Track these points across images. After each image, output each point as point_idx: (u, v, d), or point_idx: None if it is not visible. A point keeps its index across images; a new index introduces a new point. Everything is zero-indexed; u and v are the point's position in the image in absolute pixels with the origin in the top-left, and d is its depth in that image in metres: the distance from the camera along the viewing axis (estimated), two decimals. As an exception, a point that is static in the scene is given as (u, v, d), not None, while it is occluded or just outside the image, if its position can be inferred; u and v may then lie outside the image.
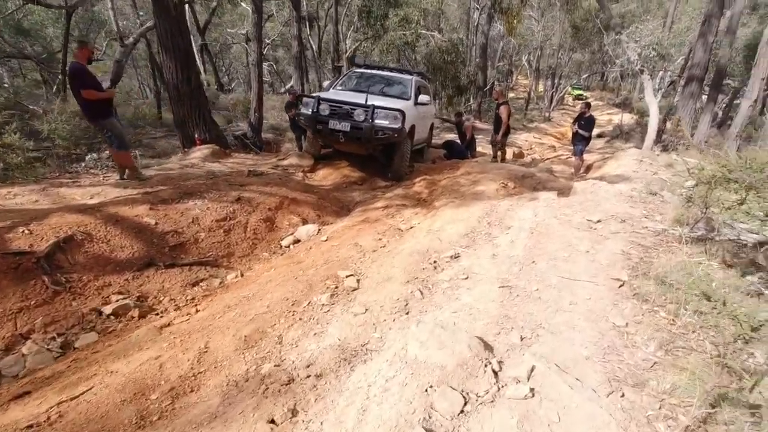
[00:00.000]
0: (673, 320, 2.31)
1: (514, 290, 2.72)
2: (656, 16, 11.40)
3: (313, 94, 6.25)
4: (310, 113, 6.08)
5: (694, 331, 2.20)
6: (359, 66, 7.89)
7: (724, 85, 14.68)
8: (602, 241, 3.52)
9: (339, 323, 2.48)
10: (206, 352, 2.35)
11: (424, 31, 13.19)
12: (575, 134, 8.10)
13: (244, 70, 24.17)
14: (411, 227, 4.48)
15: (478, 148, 11.48)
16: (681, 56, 18.30)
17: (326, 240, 4.35)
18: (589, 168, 8.56)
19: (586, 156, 9.17)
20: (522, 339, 2.19)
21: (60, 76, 11.61)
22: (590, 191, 5.13)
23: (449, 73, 14.39)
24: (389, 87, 7.38)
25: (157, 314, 3.24)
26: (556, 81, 26.77)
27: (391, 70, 8.16)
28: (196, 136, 6.68)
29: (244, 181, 5.45)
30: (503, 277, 2.92)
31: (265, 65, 20.40)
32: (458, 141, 9.90)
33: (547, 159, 11.36)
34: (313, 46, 17.51)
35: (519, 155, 10.79)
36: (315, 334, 2.41)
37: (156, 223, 4.01)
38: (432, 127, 9.34)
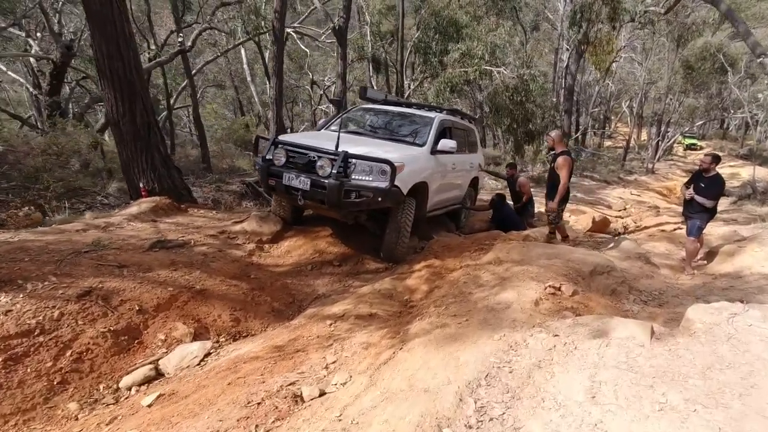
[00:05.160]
0: None
1: None
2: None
3: (273, 137, 4.39)
4: (261, 162, 4.21)
5: None
6: (371, 100, 5.96)
7: None
8: None
9: None
10: None
11: (487, 67, 11.11)
12: (690, 201, 5.16)
13: (318, 112, 23.45)
14: (321, 395, 2.24)
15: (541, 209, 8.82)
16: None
17: (150, 405, 2.28)
18: (711, 255, 5.55)
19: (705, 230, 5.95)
20: None
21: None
22: (726, 336, 2.39)
23: (518, 116, 11.98)
24: (401, 128, 5.32)
25: None
26: (662, 129, 22.82)
27: (410, 105, 6.10)
28: (140, 185, 5.16)
29: (134, 258, 3.65)
30: None
31: (323, 107, 19.65)
32: (510, 201, 7.38)
33: (645, 228, 8.22)
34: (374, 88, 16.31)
35: (601, 225, 7.75)
36: None
37: None
38: (476, 183, 6.99)
